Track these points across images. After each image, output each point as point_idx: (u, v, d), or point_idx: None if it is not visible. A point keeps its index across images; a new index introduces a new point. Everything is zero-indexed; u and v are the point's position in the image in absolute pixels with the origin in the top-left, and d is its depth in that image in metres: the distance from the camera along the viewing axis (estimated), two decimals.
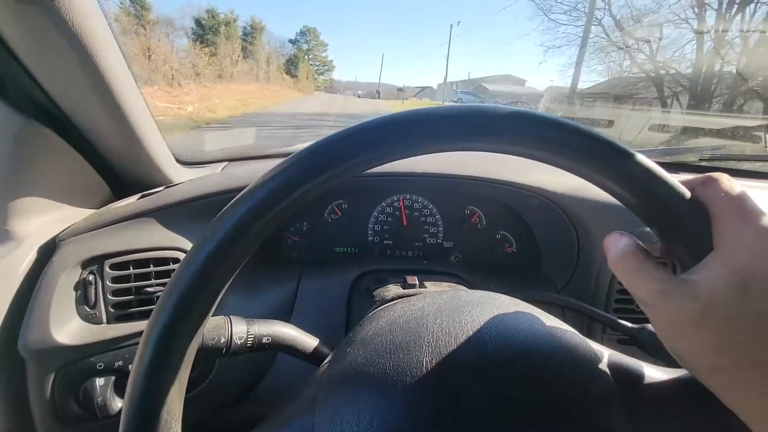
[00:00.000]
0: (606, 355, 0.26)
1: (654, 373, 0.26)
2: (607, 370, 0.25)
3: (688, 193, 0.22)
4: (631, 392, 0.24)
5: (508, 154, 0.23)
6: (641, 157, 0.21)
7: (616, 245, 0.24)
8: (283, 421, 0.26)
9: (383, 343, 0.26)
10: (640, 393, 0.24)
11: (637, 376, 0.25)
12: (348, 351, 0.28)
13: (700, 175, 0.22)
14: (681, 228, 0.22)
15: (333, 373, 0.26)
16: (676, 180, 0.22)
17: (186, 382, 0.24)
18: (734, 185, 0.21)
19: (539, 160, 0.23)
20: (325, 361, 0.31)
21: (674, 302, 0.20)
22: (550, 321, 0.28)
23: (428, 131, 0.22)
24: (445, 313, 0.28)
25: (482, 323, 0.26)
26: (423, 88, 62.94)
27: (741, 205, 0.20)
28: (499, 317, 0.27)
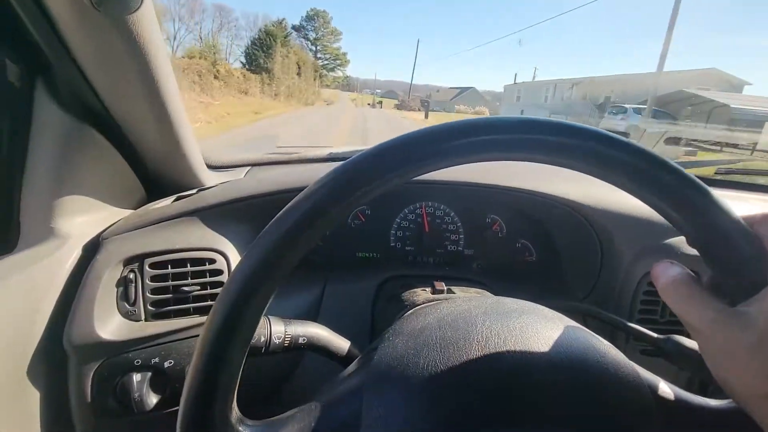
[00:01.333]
0: (647, 376, 0.27)
1: (694, 399, 0.26)
2: (648, 390, 0.25)
3: (747, 227, 0.22)
4: (668, 415, 0.25)
5: (567, 168, 0.24)
6: (702, 184, 0.22)
7: (667, 273, 0.25)
8: (329, 404, 0.26)
9: (433, 338, 0.27)
10: (677, 417, 0.25)
11: (675, 401, 0.26)
12: (396, 342, 0.28)
13: (759, 213, 0.23)
14: (737, 260, 0.22)
15: (382, 361, 0.27)
16: (738, 215, 0.22)
17: (237, 381, 0.25)
18: None
19: (602, 179, 0.24)
20: (369, 348, 0.32)
21: (729, 330, 0.21)
22: (595, 337, 0.29)
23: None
24: (492, 316, 0.29)
25: (530, 330, 0.27)
26: (463, 90, 50.95)
27: None
28: (546, 326, 0.28)
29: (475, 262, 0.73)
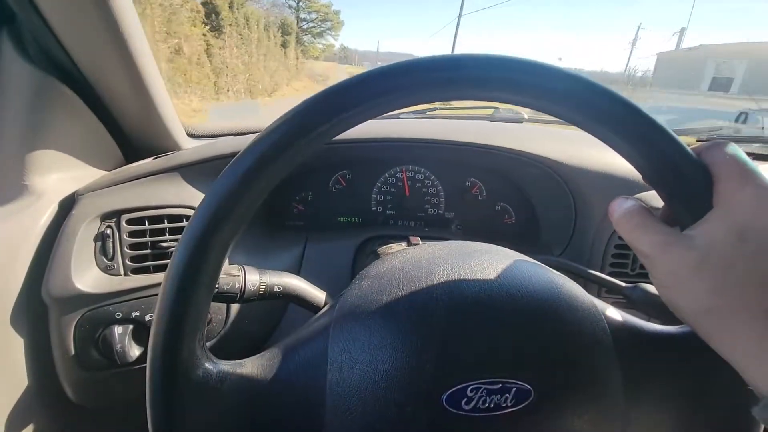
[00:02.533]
0: (603, 307, 0.28)
1: (649, 327, 0.27)
2: (604, 320, 0.26)
3: (694, 156, 0.23)
4: (625, 343, 0.26)
5: (523, 106, 0.24)
6: (652, 118, 0.23)
7: (621, 206, 0.26)
8: (297, 342, 0.27)
9: (396, 278, 0.28)
10: (634, 344, 0.26)
11: (631, 329, 0.27)
12: (362, 284, 0.29)
13: (707, 142, 0.24)
14: (685, 188, 0.23)
15: (347, 302, 0.28)
16: (685, 143, 0.23)
17: (205, 319, 0.25)
18: (738, 150, 0.23)
19: (554, 114, 0.24)
20: (339, 294, 0.33)
21: (675, 252, 0.22)
22: (553, 272, 0.30)
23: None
24: (455, 256, 0.30)
25: (490, 266, 0.28)
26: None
27: (741, 166, 0.22)
28: (505, 263, 0.29)
29: (454, 224, 0.75)
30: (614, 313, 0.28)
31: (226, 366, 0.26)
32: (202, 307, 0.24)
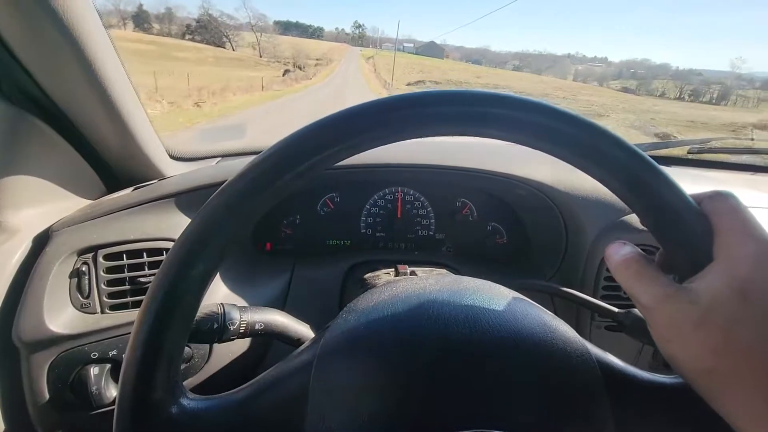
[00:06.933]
0: (596, 352, 0.27)
1: (642, 376, 0.26)
2: (597, 367, 0.25)
3: (695, 204, 0.22)
4: (617, 391, 0.25)
5: (508, 141, 0.24)
6: (654, 164, 0.22)
7: (618, 252, 0.25)
8: (276, 378, 0.26)
9: (384, 313, 0.27)
10: (627, 393, 0.25)
11: (624, 376, 0.26)
12: (348, 318, 0.28)
13: (708, 191, 0.23)
14: (685, 237, 0.22)
15: (332, 338, 0.27)
16: (686, 191, 0.22)
17: (180, 355, 0.24)
18: (740, 202, 0.22)
19: (544, 151, 0.23)
20: (324, 327, 0.32)
21: (676, 305, 0.21)
22: (547, 314, 0.29)
23: None
24: (446, 293, 0.28)
25: (481, 307, 0.27)
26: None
27: (744, 220, 0.21)
28: (498, 303, 0.28)
29: (445, 246, 0.73)
30: (607, 358, 0.27)
31: (201, 403, 0.25)
32: (176, 346, 0.23)
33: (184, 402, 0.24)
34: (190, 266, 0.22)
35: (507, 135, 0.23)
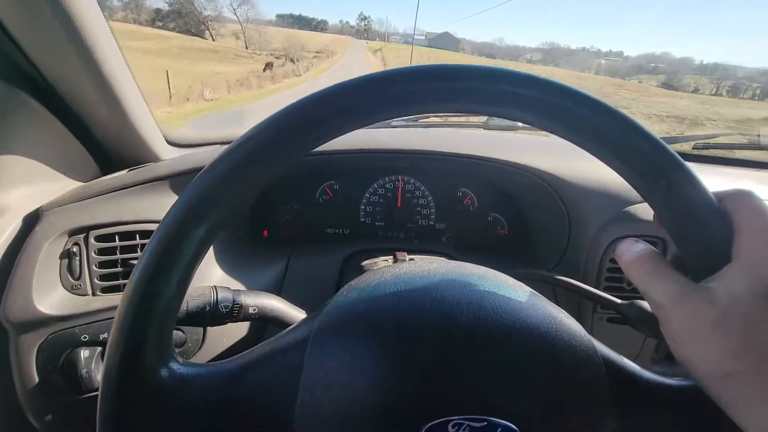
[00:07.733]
0: (601, 348, 0.26)
1: (647, 376, 0.26)
2: (602, 363, 0.25)
3: (716, 202, 0.22)
4: (622, 390, 0.24)
5: (532, 125, 0.23)
6: (677, 157, 0.21)
7: (631, 249, 0.24)
8: (273, 350, 0.25)
9: (386, 291, 0.26)
10: (631, 392, 0.24)
11: (629, 375, 0.25)
12: (348, 295, 0.27)
13: (730, 189, 0.23)
14: (703, 236, 0.22)
15: (329, 316, 0.26)
16: (708, 188, 0.22)
17: (171, 329, 0.24)
18: (762, 201, 0.21)
19: (572, 142, 0.22)
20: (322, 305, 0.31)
21: (693, 305, 0.20)
22: (552, 305, 0.28)
23: None
24: (451, 276, 0.27)
25: (488, 291, 0.26)
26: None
27: (766, 220, 0.20)
28: (504, 291, 0.27)
29: (445, 235, 0.72)
30: (612, 356, 0.26)
31: (192, 369, 0.24)
32: (169, 309, 0.22)
33: (174, 366, 0.23)
34: (180, 239, 0.21)
35: (523, 116, 0.22)
